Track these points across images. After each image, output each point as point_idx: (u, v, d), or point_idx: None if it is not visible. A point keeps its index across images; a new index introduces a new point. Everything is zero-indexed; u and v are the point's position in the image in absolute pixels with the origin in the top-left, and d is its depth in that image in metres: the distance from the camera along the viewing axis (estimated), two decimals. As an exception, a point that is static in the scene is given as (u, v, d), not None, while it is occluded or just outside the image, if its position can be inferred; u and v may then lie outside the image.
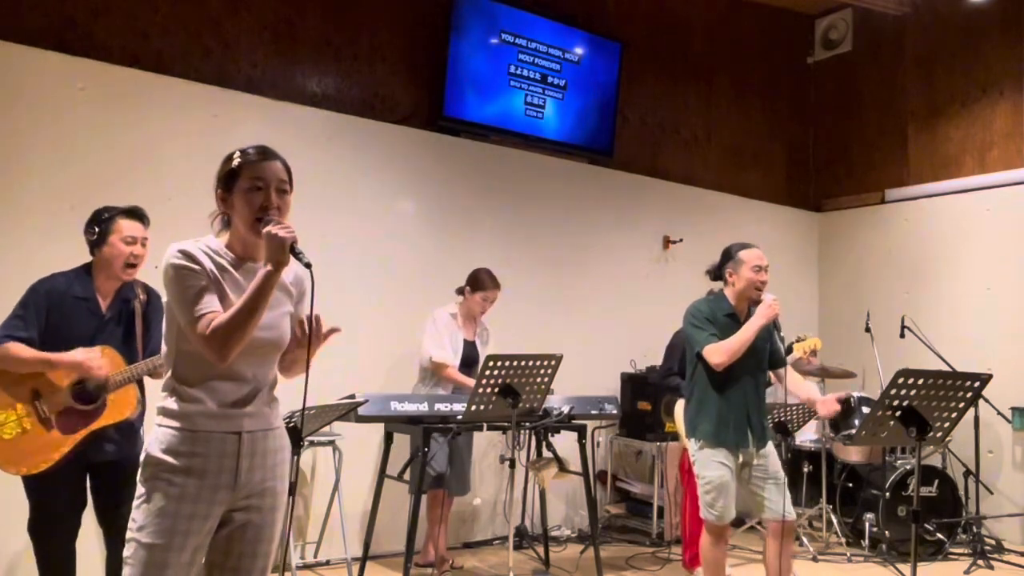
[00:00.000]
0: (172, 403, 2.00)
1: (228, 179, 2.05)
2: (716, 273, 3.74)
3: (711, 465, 3.51)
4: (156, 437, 2.00)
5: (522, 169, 5.79)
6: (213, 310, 1.95)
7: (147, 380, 3.13)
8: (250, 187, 2.02)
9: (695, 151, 6.85)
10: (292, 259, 2.00)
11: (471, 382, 4.47)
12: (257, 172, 2.03)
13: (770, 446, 3.64)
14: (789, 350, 3.86)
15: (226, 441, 2.00)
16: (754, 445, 3.56)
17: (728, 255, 3.69)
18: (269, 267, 1.95)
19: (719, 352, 3.48)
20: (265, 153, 2.07)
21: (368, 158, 5.12)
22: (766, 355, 3.67)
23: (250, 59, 4.83)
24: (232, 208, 2.05)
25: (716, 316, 3.59)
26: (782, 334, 3.71)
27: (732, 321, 3.59)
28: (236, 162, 2.05)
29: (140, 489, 1.98)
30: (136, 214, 3.10)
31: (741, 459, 3.56)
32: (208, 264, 2.00)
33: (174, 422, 1.99)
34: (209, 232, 2.13)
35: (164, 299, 2.05)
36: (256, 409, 2.07)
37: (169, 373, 2.04)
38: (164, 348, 2.08)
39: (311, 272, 2.03)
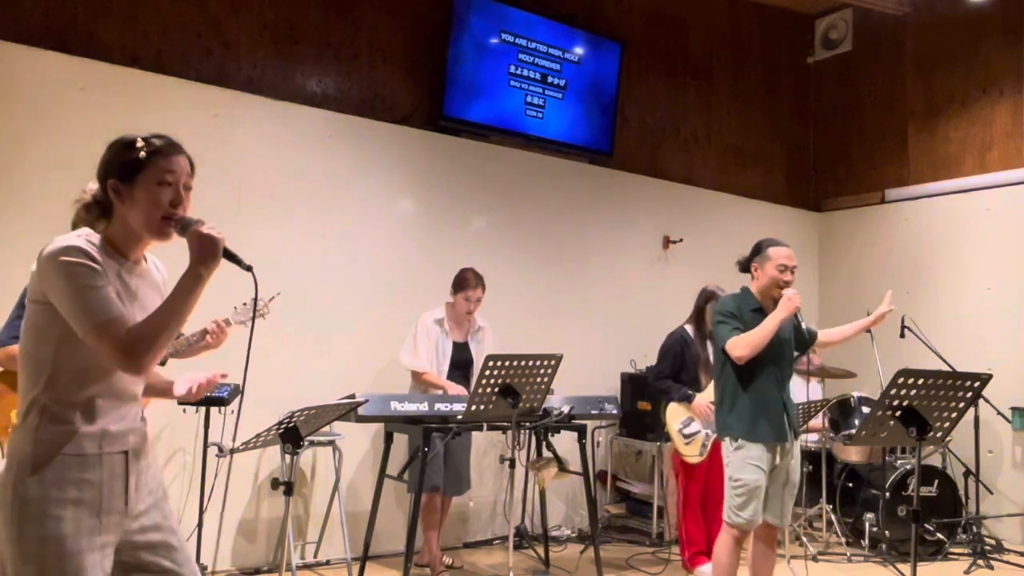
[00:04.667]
0: (50, 426, 1.74)
1: (129, 168, 1.83)
2: (744, 265, 3.71)
3: (746, 468, 3.43)
4: (31, 464, 1.72)
5: (522, 169, 5.79)
6: (124, 314, 1.74)
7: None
8: (160, 181, 1.82)
9: (695, 151, 6.85)
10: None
11: (448, 385, 4.49)
12: (169, 165, 1.84)
13: (797, 448, 3.58)
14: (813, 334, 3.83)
15: (114, 462, 1.81)
16: (790, 435, 3.49)
17: (758, 249, 3.66)
18: (200, 270, 1.77)
19: (741, 345, 3.43)
20: (173, 144, 1.89)
21: (368, 158, 5.12)
22: (792, 346, 3.62)
23: (250, 59, 4.83)
24: (128, 201, 1.83)
25: (743, 311, 3.55)
26: (805, 325, 3.66)
27: (759, 316, 3.54)
28: (142, 152, 1.84)
29: (31, 530, 1.69)
30: None
31: (778, 459, 3.48)
32: (104, 265, 1.77)
33: (56, 448, 1.73)
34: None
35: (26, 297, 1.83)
36: (137, 424, 1.90)
37: (39, 390, 1.76)
38: (25, 360, 1.80)
39: (253, 275, 1.86)
